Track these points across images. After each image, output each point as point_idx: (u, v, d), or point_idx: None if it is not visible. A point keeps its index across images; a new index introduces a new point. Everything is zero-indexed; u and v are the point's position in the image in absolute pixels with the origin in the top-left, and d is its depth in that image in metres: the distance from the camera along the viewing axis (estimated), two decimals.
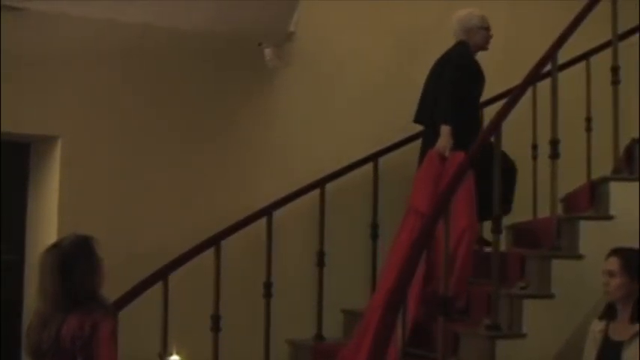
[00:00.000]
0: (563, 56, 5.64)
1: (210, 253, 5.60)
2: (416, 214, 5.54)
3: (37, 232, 6.08)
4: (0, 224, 5.98)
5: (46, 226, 5.94)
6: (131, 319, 4.98)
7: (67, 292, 3.79)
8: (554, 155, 5.21)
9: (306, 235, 6.22)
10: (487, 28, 6.08)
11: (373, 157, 6.38)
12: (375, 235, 6.35)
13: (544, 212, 5.76)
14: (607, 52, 5.74)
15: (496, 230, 4.87)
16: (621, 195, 5.28)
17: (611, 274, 4.40)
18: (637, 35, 6.30)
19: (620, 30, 5.71)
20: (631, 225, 5.08)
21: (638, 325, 4.31)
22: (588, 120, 6.13)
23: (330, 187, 6.20)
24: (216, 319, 5.56)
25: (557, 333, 4.92)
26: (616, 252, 4.46)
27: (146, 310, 5.32)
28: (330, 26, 6.60)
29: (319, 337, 6.08)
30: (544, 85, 5.60)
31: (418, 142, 6.46)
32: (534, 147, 6.21)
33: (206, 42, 6.16)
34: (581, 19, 5.43)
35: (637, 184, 5.32)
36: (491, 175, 4.94)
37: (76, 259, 3.83)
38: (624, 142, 5.61)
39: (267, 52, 6.32)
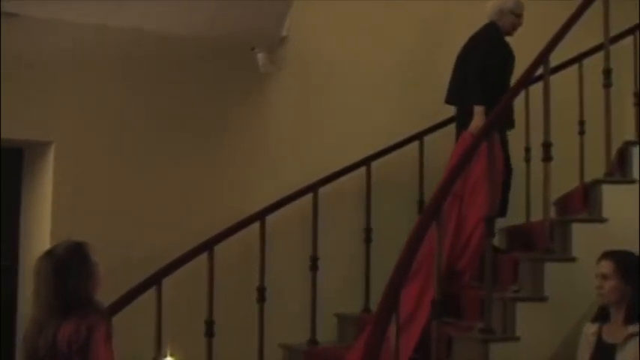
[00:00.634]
0: (555, 59, 5.65)
1: (203, 257, 5.60)
2: (450, 196, 5.58)
3: (31, 237, 6.07)
4: None
5: (40, 231, 5.93)
6: (125, 324, 4.96)
7: (62, 299, 3.79)
8: (547, 158, 5.22)
9: (299, 239, 6.22)
10: (519, 15, 6.20)
11: (366, 161, 6.38)
12: (368, 239, 6.35)
13: (537, 215, 5.75)
14: (599, 55, 5.75)
15: (489, 234, 4.87)
16: (614, 198, 5.29)
17: (604, 277, 4.40)
18: (629, 38, 6.31)
19: (613, 33, 5.72)
20: (624, 228, 5.09)
21: (631, 327, 4.32)
22: (581, 123, 6.13)
23: (323, 191, 6.20)
24: (209, 324, 5.56)
25: (550, 336, 4.92)
26: (609, 255, 4.46)
27: (140, 314, 5.33)
28: (322, 31, 6.61)
29: (313, 341, 6.07)
30: (537, 88, 5.60)
31: (410, 146, 6.49)
32: (527, 150, 6.20)
33: (199, 46, 6.16)
34: (573, 23, 5.44)
35: (629, 186, 5.34)
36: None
37: (70, 265, 3.83)
38: (617, 144, 5.62)
39: (260, 56, 6.33)
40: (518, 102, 5.75)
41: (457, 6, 7.02)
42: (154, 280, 5.40)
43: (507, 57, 6.01)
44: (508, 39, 6.20)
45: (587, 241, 5.11)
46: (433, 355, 4.51)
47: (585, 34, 5.87)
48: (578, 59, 6.40)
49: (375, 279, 6.06)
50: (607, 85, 5.53)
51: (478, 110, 5.78)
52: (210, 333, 5.56)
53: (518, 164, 6.17)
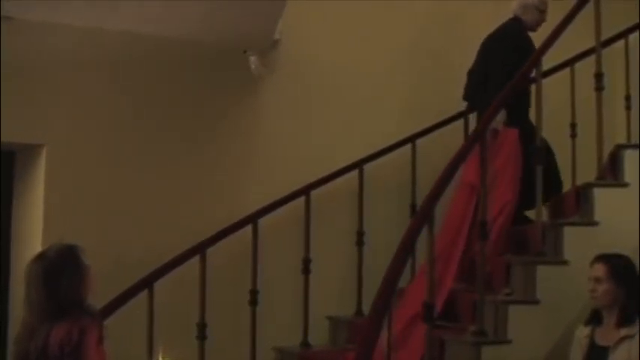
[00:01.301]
0: (547, 62, 5.67)
1: (196, 260, 5.60)
2: (468, 187, 5.63)
3: (22, 241, 6.05)
4: None
5: (32, 234, 5.91)
6: (118, 327, 4.92)
7: (54, 302, 3.77)
8: (539, 161, 5.23)
9: (291, 242, 6.21)
10: (543, 11, 6.23)
11: (358, 164, 6.38)
12: (360, 242, 6.34)
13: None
14: (591, 59, 5.76)
15: (482, 236, 4.88)
16: (606, 201, 5.30)
17: (597, 280, 4.42)
18: (621, 42, 6.33)
19: (604, 36, 5.74)
20: (615, 231, 5.10)
21: (624, 330, 4.34)
22: (573, 126, 6.14)
23: (315, 194, 6.20)
24: (202, 327, 5.55)
25: (542, 339, 4.93)
26: (602, 258, 4.48)
27: (133, 317, 5.32)
28: (315, 34, 6.61)
29: (305, 344, 6.06)
30: None
31: (403, 149, 6.49)
32: None
33: (191, 49, 6.16)
34: (565, 26, 5.45)
35: (621, 190, 5.35)
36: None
37: (61, 268, 3.81)
38: (609, 148, 5.63)
39: (253, 59, 6.33)
40: None
41: (452, 8, 7.04)
42: (146, 283, 5.39)
43: (529, 53, 5.97)
44: None
45: (579, 244, 5.12)
46: (425, 358, 4.51)
47: (577, 38, 5.89)
48: (569, 63, 6.42)
49: (367, 282, 6.05)
50: (599, 88, 5.54)
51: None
52: (202, 336, 5.55)
53: None
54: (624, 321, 4.36)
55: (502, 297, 5.09)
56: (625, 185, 5.38)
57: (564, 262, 5.10)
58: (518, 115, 5.59)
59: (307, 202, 6.15)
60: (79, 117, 5.92)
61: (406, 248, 4.33)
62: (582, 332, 4.49)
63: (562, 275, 5.04)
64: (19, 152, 6.14)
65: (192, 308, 5.58)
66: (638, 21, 6.25)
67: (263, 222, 5.95)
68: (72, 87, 5.91)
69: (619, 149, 5.58)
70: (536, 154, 5.24)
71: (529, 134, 5.42)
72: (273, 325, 6.05)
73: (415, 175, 6.52)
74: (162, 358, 4.66)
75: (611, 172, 5.55)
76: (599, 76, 5.54)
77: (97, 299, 4.09)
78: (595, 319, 4.48)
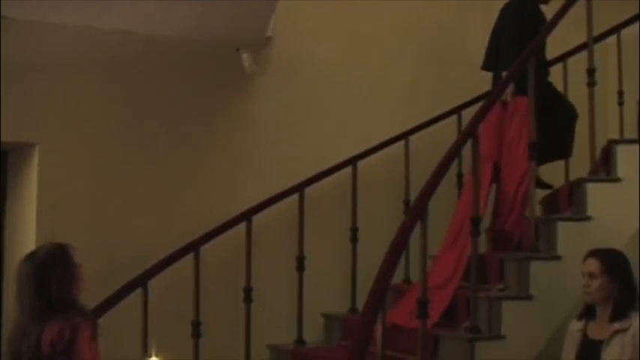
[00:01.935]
0: None
1: (190, 258, 5.60)
2: (482, 160, 5.62)
3: (16, 240, 6.04)
4: None
5: (25, 234, 5.90)
6: (112, 326, 4.93)
7: (45, 302, 3.77)
8: (533, 157, 5.24)
9: (285, 239, 6.21)
10: None
11: (352, 161, 6.38)
12: (354, 239, 6.34)
13: None
14: (584, 54, 5.77)
15: (474, 233, 4.88)
16: (598, 196, 5.32)
17: (591, 275, 4.42)
18: (614, 37, 6.34)
19: (596, 32, 5.75)
20: (608, 226, 5.12)
21: (617, 324, 4.35)
22: None
23: (309, 191, 6.20)
24: (196, 325, 5.56)
25: (536, 334, 4.94)
26: (595, 253, 4.48)
27: (127, 316, 5.32)
28: (307, 31, 6.60)
29: (300, 341, 6.07)
30: None
31: (397, 146, 6.50)
32: None
33: (184, 48, 6.15)
34: (557, 21, 5.46)
35: (614, 185, 5.36)
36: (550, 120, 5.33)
37: (51, 268, 3.81)
38: (601, 143, 5.64)
39: (245, 57, 6.32)
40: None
41: (442, 9, 7.05)
42: (140, 282, 5.39)
43: (540, 24, 5.94)
44: None
45: (572, 239, 5.14)
46: (419, 354, 4.51)
47: (569, 33, 5.91)
48: (562, 58, 6.43)
49: (361, 279, 6.05)
50: (591, 83, 5.55)
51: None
52: (197, 334, 5.56)
53: None
54: (617, 315, 4.37)
55: (495, 293, 5.10)
56: (618, 180, 5.39)
57: (557, 258, 5.11)
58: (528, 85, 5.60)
59: (301, 200, 6.16)
60: (72, 116, 5.91)
61: (400, 245, 4.33)
62: (575, 326, 4.50)
63: (555, 271, 5.05)
64: (11, 151, 6.13)
65: (187, 306, 5.58)
66: (629, 16, 6.27)
67: (257, 219, 5.95)
68: (65, 86, 5.89)
69: (611, 144, 5.59)
70: (531, 150, 5.25)
71: (550, 98, 5.50)
72: (267, 323, 6.05)
73: (409, 171, 6.52)
74: (155, 356, 4.66)
75: (604, 167, 5.57)
76: (591, 72, 5.56)
77: (90, 298, 4.09)
78: (588, 313, 4.49)
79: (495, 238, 5.88)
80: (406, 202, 6.45)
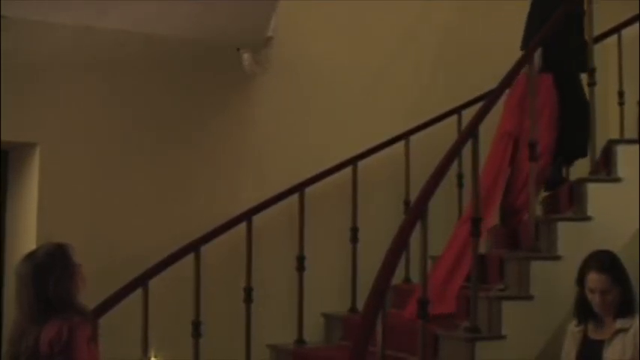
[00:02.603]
0: None
1: (190, 258, 5.60)
2: (505, 136, 5.65)
3: (16, 240, 6.05)
4: None
5: (26, 234, 5.90)
6: (112, 326, 4.97)
7: (44, 302, 3.77)
8: (533, 157, 5.24)
9: (285, 239, 6.22)
10: None
11: (352, 161, 6.38)
12: (354, 239, 6.34)
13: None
14: None
15: (474, 233, 4.88)
16: (599, 196, 5.31)
17: (604, 292, 4.36)
18: (614, 37, 6.34)
19: (597, 32, 5.74)
20: (608, 226, 5.11)
21: (619, 323, 4.33)
22: None
23: (309, 191, 6.20)
24: (196, 325, 5.56)
25: (536, 334, 4.94)
26: (599, 269, 4.34)
27: (127, 316, 5.32)
28: (308, 31, 6.61)
29: (300, 341, 6.08)
30: None
31: (397, 146, 6.49)
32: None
33: (184, 47, 6.15)
34: (558, 21, 5.46)
35: (614, 185, 5.36)
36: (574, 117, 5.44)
37: (50, 269, 3.81)
38: (601, 143, 5.64)
39: (245, 57, 6.32)
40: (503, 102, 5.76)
41: (442, 9, 7.05)
42: (141, 282, 5.39)
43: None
44: None
45: (572, 239, 5.13)
46: (419, 354, 4.51)
47: None
48: None
49: (361, 279, 6.05)
50: (591, 83, 5.55)
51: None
52: (197, 334, 5.56)
53: None
54: (619, 315, 4.36)
55: (495, 293, 5.10)
56: (618, 180, 5.38)
57: (558, 258, 5.10)
58: (555, 61, 5.57)
59: (301, 200, 6.16)
60: (73, 116, 5.91)
61: (400, 245, 4.33)
62: (575, 327, 4.48)
63: (555, 270, 5.04)
64: (11, 151, 6.13)
65: (187, 306, 5.59)
66: (629, 17, 6.26)
67: (257, 219, 5.95)
68: (65, 86, 5.89)
69: (612, 144, 5.59)
70: (532, 150, 5.25)
71: (571, 80, 5.52)
72: (267, 323, 6.06)
73: (409, 171, 6.52)
74: (155, 356, 4.66)
75: (604, 167, 5.56)
76: (591, 71, 5.55)
77: (90, 298, 4.09)
78: (584, 312, 4.46)
79: (504, 213, 5.81)
80: (406, 202, 6.46)
